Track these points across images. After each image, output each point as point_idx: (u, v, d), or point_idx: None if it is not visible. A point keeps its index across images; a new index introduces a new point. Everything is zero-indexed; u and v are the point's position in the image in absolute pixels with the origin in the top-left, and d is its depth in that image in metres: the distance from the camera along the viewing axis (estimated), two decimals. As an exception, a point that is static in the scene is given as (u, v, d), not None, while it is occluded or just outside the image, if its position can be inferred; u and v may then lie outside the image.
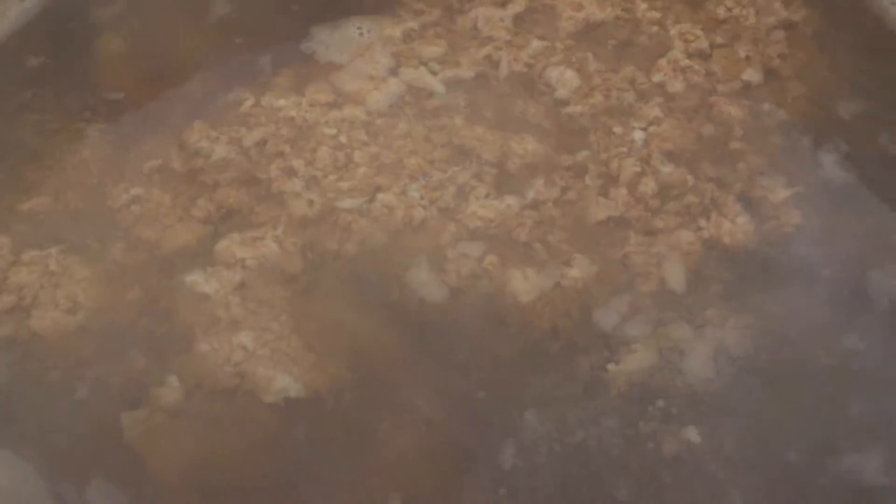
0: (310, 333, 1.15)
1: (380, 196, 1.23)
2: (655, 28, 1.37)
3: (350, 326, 1.16)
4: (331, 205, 1.23)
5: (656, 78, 1.33)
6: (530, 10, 1.39)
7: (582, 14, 1.38)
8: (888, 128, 1.29)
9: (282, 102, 1.30)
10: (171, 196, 1.25)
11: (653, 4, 1.39)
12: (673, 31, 1.37)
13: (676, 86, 1.32)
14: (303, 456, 1.10)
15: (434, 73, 1.33)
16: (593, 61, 1.34)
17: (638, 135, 1.28)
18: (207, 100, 1.32)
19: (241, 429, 1.10)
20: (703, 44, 1.35)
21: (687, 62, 1.34)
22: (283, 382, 1.12)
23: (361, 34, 1.37)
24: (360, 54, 1.35)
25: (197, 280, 1.18)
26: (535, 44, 1.35)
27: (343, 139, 1.27)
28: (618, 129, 1.28)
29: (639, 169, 1.25)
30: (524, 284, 1.18)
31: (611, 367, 1.13)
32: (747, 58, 1.34)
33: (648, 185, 1.24)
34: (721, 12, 1.38)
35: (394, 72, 1.34)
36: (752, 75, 1.33)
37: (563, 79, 1.32)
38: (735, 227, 1.21)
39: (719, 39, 1.36)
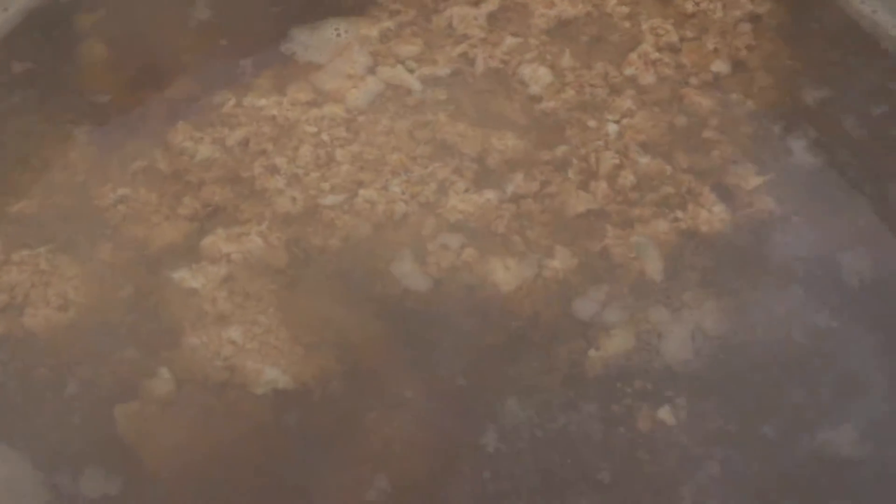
0: (297, 326, 1.17)
1: (362, 192, 1.25)
2: (626, 23, 1.40)
3: (336, 319, 1.18)
4: (313, 201, 1.25)
5: (628, 71, 1.36)
6: (503, 8, 1.42)
7: (554, 11, 1.41)
8: (852, 113, 1.33)
9: (263, 102, 1.32)
10: (158, 195, 1.27)
11: (623, 0, 1.42)
12: (644, 26, 1.40)
13: (648, 78, 1.35)
14: (292, 445, 1.11)
15: (411, 71, 1.36)
16: (566, 57, 1.37)
17: (612, 128, 1.31)
18: (190, 102, 1.34)
19: (232, 419, 1.12)
20: (673, 37, 1.39)
21: (657, 55, 1.37)
22: (272, 375, 1.14)
23: (339, 35, 1.39)
24: (338, 54, 1.37)
25: (184, 276, 1.20)
26: (509, 41, 1.38)
27: (324, 137, 1.30)
28: (592, 123, 1.31)
29: (617, 161, 1.28)
30: (505, 275, 1.20)
31: (591, 352, 1.16)
32: (715, 50, 1.38)
33: (627, 178, 1.26)
34: (689, 7, 1.42)
35: (372, 70, 1.36)
36: (720, 67, 1.37)
37: (537, 76, 1.35)
38: (711, 215, 1.24)
39: (688, 33, 1.40)
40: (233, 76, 1.36)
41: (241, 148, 1.30)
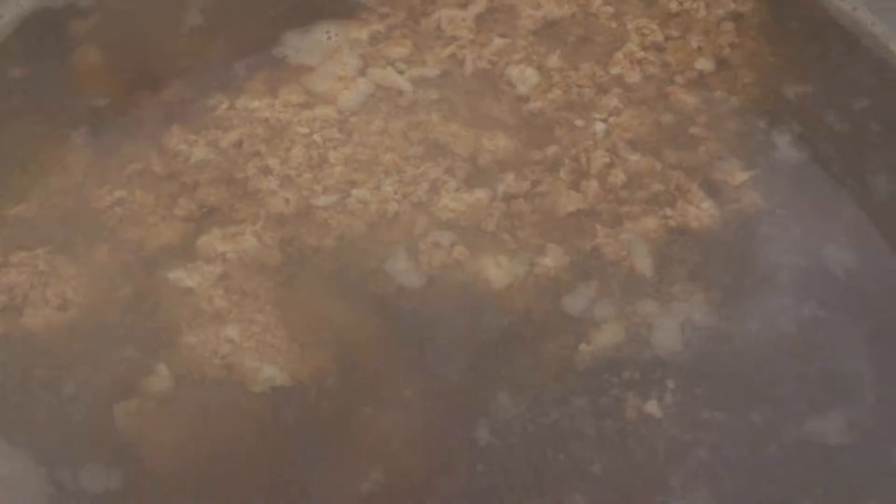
0: (294, 325, 1.19)
1: (354, 191, 1.27)
2: (611, 23, 1.43)
3: (332, 317, 1.20)
4: (306, 202, 1.27)
5: (614, 71, 1.38)
6: (491, 9, 1.44)
7: (540, 12, 1.43)
8: (833, 108, 1.35)
9: (256, 104, 1.34)
10: (154, 197, 1.28)
11: (608, 0, 1.44)
12: (629, 26, 1.42)
13: (634, 77, 1.37)
14: (290, 440, 1.13)
15: (401, 73, 1.38)
16: (553, 57, 1.39)
17: (599, 126, 1.33)
18: (184, 105, 1.36)
19: (230, 416, 1.14)
20: (658, 37, 1.41)
21: (643, 54, 1.39)
22: (270, 373, 1.16)
23: (330, 38, 1.41)
24: (329, 57, 1.39)
25: (180, 275, 1.22)
26: (497, 41, 1.40)
27: (316, 138, 1.31)
28: (580, 123, 1.33)
29: (608, 160, 1.30)
30: (497, 272, 1.22)
31: (582, 346, 1.17)
32: (699, 48, 1.40)
33: (618, 176, 1.28)
34: (673, 6, 1.44)
35: (362, 72, 1.38)
36: (704, 64, 1.39)
37: (524, 76, 1.37)
38: (700, 211, 1.26)
39: (673, 32, 1.42)
40: (226, 80, 1.38)
41: (235, 149, 1.31)
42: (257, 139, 1.32)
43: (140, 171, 1.30)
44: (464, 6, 1.44)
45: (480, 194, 1.28)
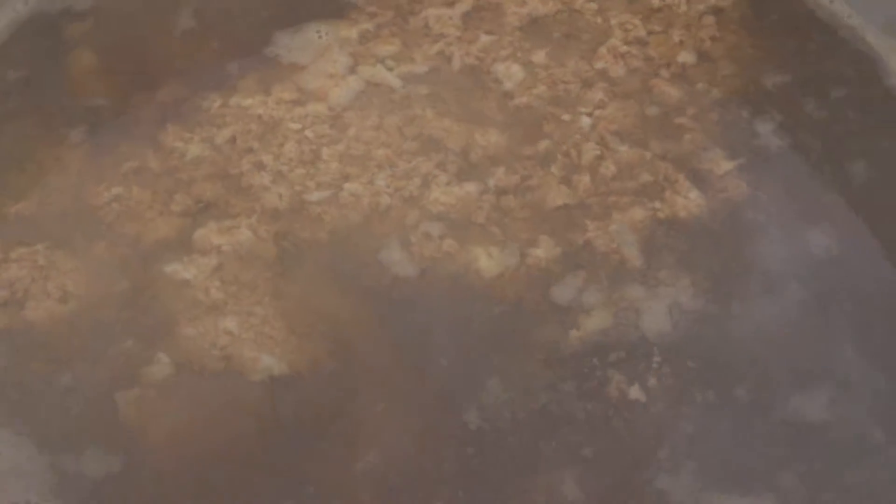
0: (291, 316, 1.21)
1: (347, 186, 1.29)
2: (595, 19, 1.46)
3: (328, 307, 1.22)
4: (299, 197, 1.29)
5: (598, 65, 1.41)
6: (477, 7, 1.47)
7: (526, 9, 1.46)
8: (811, 96, 1.38)
9: (249, 102, 1.37)
10: (150, 193, 1.30)
11: (591, -4, 1.48)
12: (612, 22, 1.45)
13: (618, 71, 1.40)
14: (287, 426, 1.15)
15: (390, 70, 1.40)
16: (538, 53, 1.42)
17: (585, 120, 1.35)
18: (178, 104, 1.38)
19: (229, 404, 1.15)
20: (641, 31, 1.44)
21: (626, 49, 1.42)
22: (268, 362, 1.18)
23: (320, 37, 1.44)
24: (320, 55, 1.42)
25: (177, 268, 1.24)
26: (484, 38, 1.43)
27: (308, 133, 1.34)
28: (566, 117, 1.36)
29: (598, 152, 1.32)
30: (488, 263, 1.25)
31: (572, 332, 1.19)
32: (681, 42, 1.43)
33: (609, 168, 1.31)
34: (655, 2, 1.47)
35: (352, 70, 1.40)
36: (686, 58, 1.42)
37: (510, 72, 1.40)
38: (688, 201, 1.29)
39: (655, 27, 1.45)
40: (219, 79, 1.40)
41: (230, 146, 1.33)
42: (251, 135, 1.34)
43: (136, 169, 1.32)
44: (451, 4, 1.46)
45: (470, 188, 1.30)
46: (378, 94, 1.38)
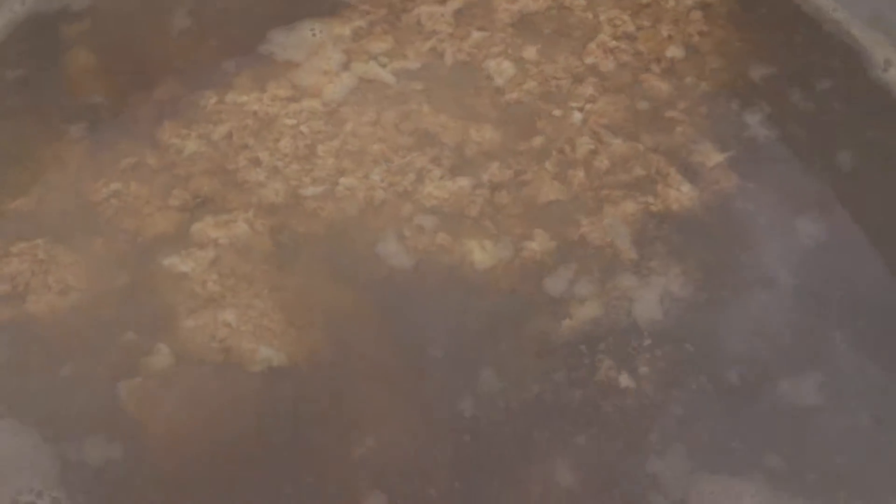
0: (288, 308, 1.22)
1: (342, 180, 1.31)
2: (585, 15, 1.48)
3: (324, 299, 1.23)
4: (295, 192, 1.31)
5: (588, 60, 1.43)
6: (469, 4, 1.49)
7: (516, 6, 1.48)
8: (798, 88, 1.40)
9: (244, 98, 1.38)
10: (148, 188, 1.31)
11: (580, -7, 1.49)
12: (602, 17, 1.47)
13: (608, 66, 1.42)
14: (286, 414, 1.16)
15: (383, 66, 1.42)
16: (529, 49, 1.43)
17: (576, 115, 1.37)
18: (175, 102, 1.39)
19: (228, 393, 1.17)
20: (630, 27, 1.46)
21: (615, 44, 1.44)
22: (267, 353, 1.19)
23: (314, 34, 1.45)
24: (314, 53, 1.43)
25: (175, 261, 1.25)
26: (476, 35, 1.45)
27: (303, 129, 1.35)
28: (557, 112, 1.38)
29: (593, 146, 1.34)
30: (482, 255, 1.26)
31: (565, 322, 1.21)
32: (670, 37, 1.45)
33: (603, 162, 1.32)
34: (644, -3, 1.49)
35: (346, 66, 1.42)
36: (675, 52, 1.44)
37: (501, 68, 1.42)
38: (680, 194, 1.30)
39: (644, 22, 1.47)
40: (215, 77, 1.41)
41: (226, 142, 1.35)
42: (246, 132, 1.35)
43: (135, 165, 1.33)
44: (442, 2, 1.48)
45: (464, 182, 1.32)
46: (372, 90, 1.40)
